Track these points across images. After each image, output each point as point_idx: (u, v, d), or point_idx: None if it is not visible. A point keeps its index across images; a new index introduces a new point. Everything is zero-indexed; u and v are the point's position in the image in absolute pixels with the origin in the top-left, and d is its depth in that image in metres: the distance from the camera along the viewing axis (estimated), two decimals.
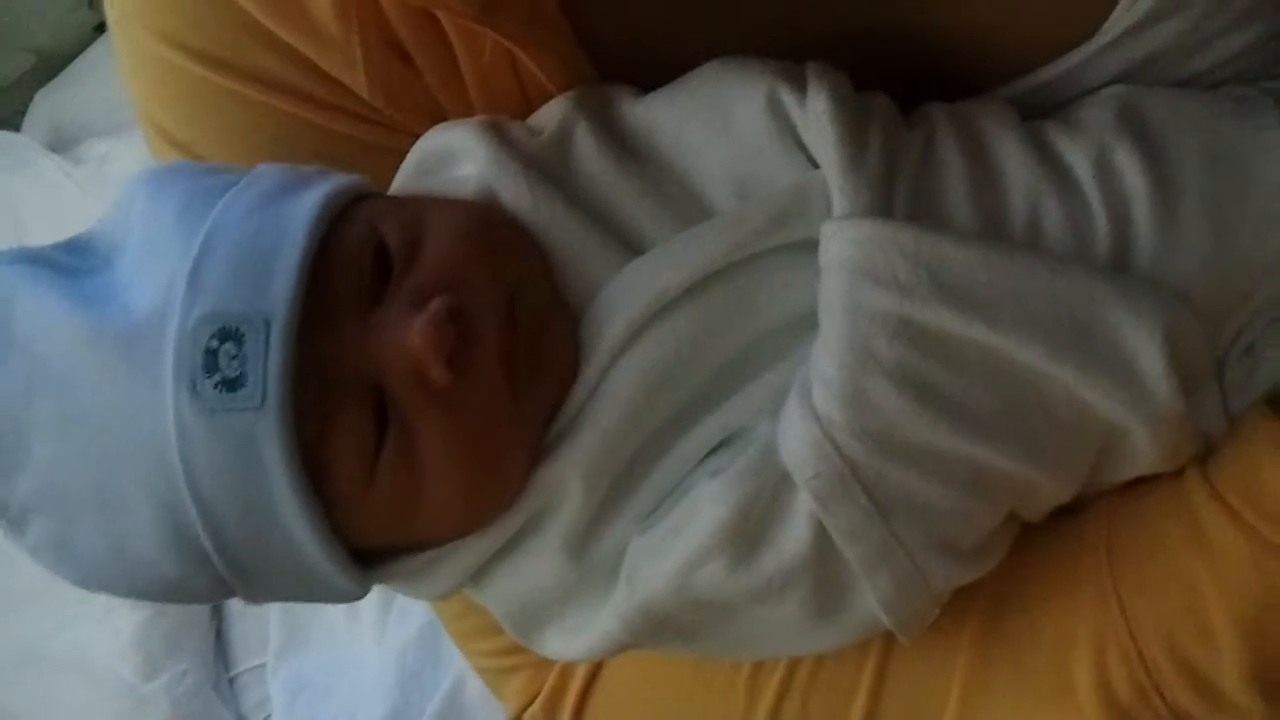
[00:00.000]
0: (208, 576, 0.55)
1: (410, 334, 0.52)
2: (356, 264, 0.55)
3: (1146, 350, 0.53)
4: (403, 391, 0.53)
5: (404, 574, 0.59)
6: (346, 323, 0.54)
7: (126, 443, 0.53)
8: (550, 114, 0.62)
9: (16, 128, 1.77)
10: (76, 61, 1.74)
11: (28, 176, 1.65)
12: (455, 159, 0.61)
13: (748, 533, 0.54)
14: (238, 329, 0.52)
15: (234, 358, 0.51)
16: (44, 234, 0.64)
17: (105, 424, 0.53)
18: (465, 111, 0.65)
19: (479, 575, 0.59)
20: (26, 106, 1.79)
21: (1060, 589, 0.59)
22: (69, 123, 1.68)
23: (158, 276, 0.54)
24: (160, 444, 0.52)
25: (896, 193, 0.56)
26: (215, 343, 0.52)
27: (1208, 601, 0.55)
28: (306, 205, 0.55)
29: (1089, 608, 0.57)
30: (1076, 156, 0.57)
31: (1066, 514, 0.60)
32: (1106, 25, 0.58)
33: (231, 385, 0.51)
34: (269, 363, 0.51)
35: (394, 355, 0.53)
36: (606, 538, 0.57)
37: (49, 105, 1.75)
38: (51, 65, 1.78)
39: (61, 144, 1.68)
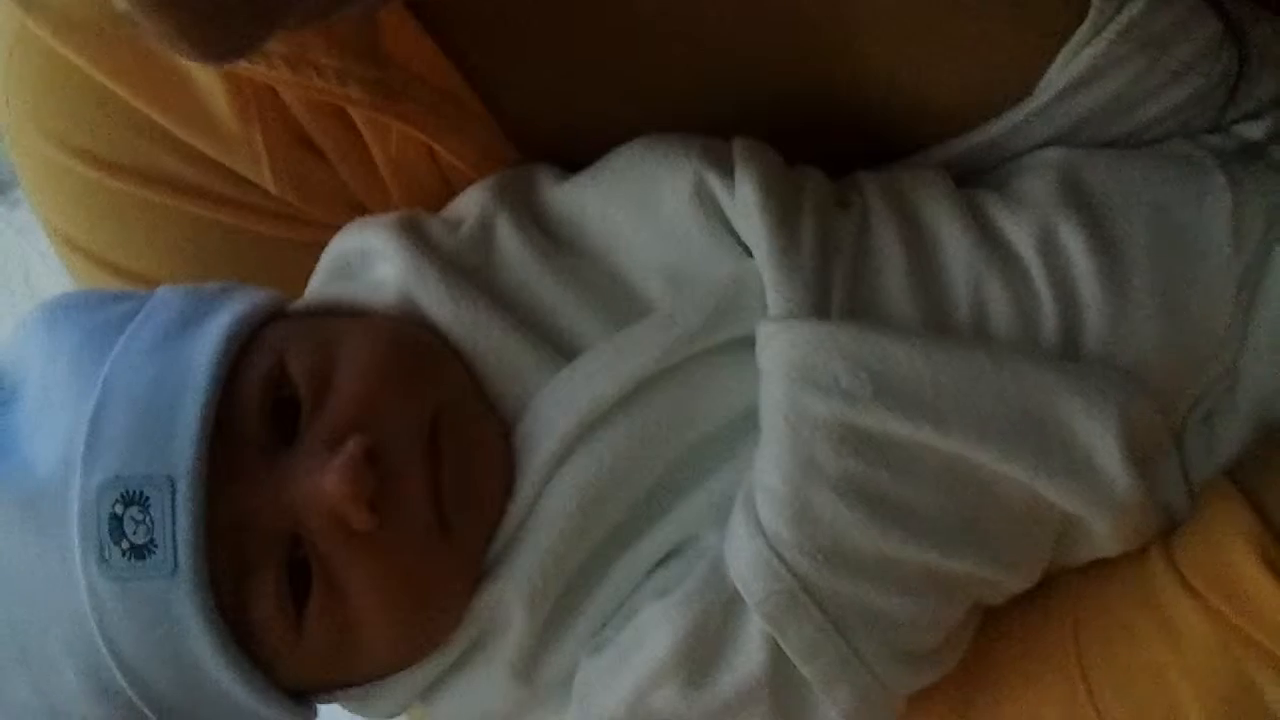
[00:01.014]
0: None
1: (325, 481, 0.50)
2: (263, 406, 0.52)
3: (1103, 441, 0.51)
4: (324, 540, 0.51)
5: (348, 699, 0.57)
6: (257, 472, 0.51)
7: (43, 608, 0.51)
8: (469, 204, 0.59)
9: None
10: None
11: None
12: (371, 261, 0.59)
13: (701, 655, 0.52)
14: (141, 492, 0.49)
15: (140, 523, 0.49)
16: None
17: (20, 587, 0.51)
18: (382, 201, 0.62)
19: (428, 694, 0.57)
20: None
21: (1028, 679, 0.57)
22: (4, 167, 1.64)
23: (56, 431, 0.51)
24: (76, 611, 0.50)
25: (833, 286, 0.53)
26: (120, 508, 0.49)
27: (1176, 689, 0.53)
28: (207, 344, 0.52)
29: (1057, 698, 0.56)
30: (1019, 234, 0.54)
31: (1031, 590, 0.58)
32: (1041, 85, 0.56)
33: (140, 553, 0.49)
34: (177, 526, 0.49)
35: (310, 504, 0.50)
36: (555, 657, 0.55)
37: None
38: None
39: None
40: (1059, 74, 0.55)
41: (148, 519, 0.49)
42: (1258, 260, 0.55)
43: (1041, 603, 0.57)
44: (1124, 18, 0.52)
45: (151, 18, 0.36)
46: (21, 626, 0.51)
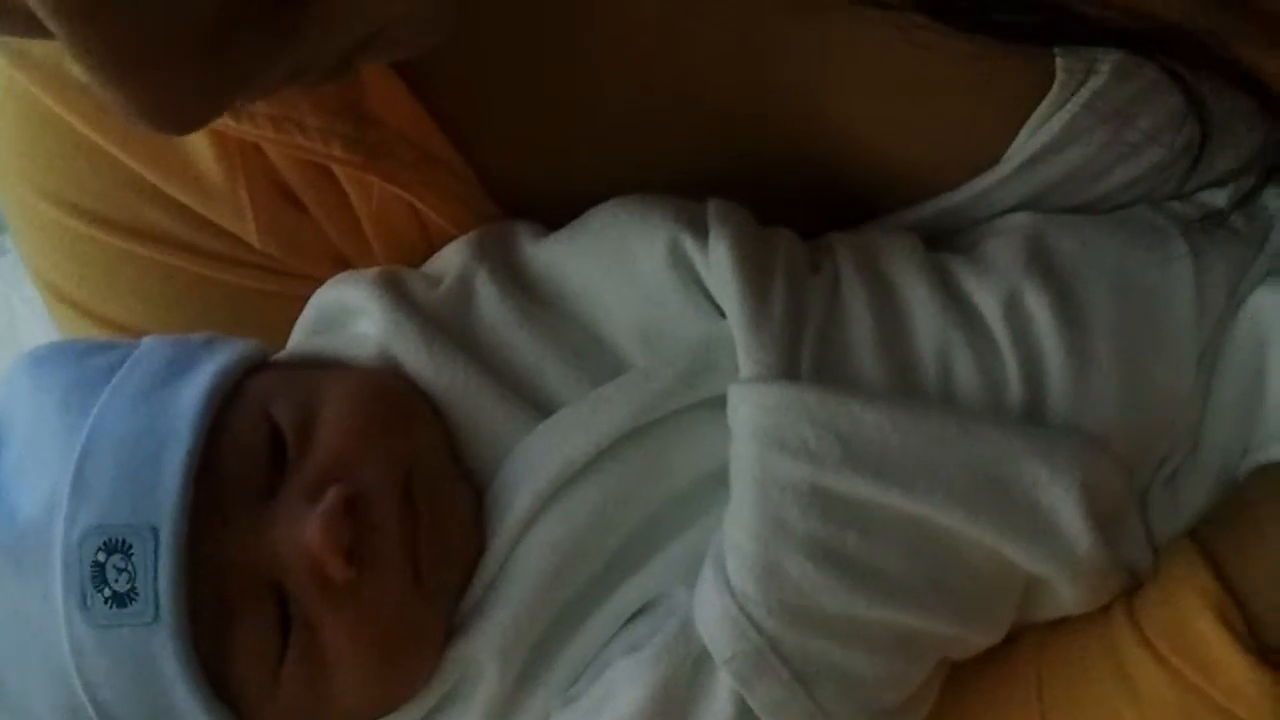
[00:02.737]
0: None
1: (306, 531, 0.51)
2: (247, 456, 0.53)
3: (1064, 504, 0.52)
4: (303, 590, 0.52)
5: None
6: (240, 521, 0.52)
7: (22, 652, 0.51)
8: (449, 260, 0.60)
9: None
10: None
11: None
12: (352, 316, 0.60)
13: (669, 711, 0.53)
14: (124, 540, 0.50)
15: (122, 570, 0.50)
16: None
17: (1, 633, 0.51)
18: (365, 255, 0.63)
19: None
20: None
21: None
22: None
23: (41, 478, 0.52)
24: (56, 657, 0.51)
25: (803, 348, 0.54)
26: (102, 555, 0.50)
27: None
28: (192, 394, 0.53)
29: None
30: (986, 299, 0.55)
31: (997, 645, 0.58)
32: (1009, 153, 0.57)
33: (122, 600, 0.50)
34: (159, 575, 0.50)
35: (291, 554, 0.51)
36: (527, 711, 0.56)
37: None
38: None
39: None
40: (1025, 143, 0.56)
41: (130, 567, 0.49)
42: (1220, 325, 0.56)
43: (1007, 657, 0.58)
44: (1087, 90, 0.53)
45: (107, 89, 0.37)
46: (1, 670, 0.52)
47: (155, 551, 0.50)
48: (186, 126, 0.39)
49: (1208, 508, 0.57)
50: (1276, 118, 0.52)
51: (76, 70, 0.37)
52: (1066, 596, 0.55)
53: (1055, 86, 0.54)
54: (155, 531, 0.50)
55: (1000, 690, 0.58)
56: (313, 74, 0.43)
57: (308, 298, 0.62)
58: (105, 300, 0.64)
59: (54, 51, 0.58)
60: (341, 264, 0.63)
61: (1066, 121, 0.54)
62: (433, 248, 0.62)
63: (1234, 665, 0.52)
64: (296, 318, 0.62)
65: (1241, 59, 0.50)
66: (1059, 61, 0.53)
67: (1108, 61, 0.52)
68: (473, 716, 0.55)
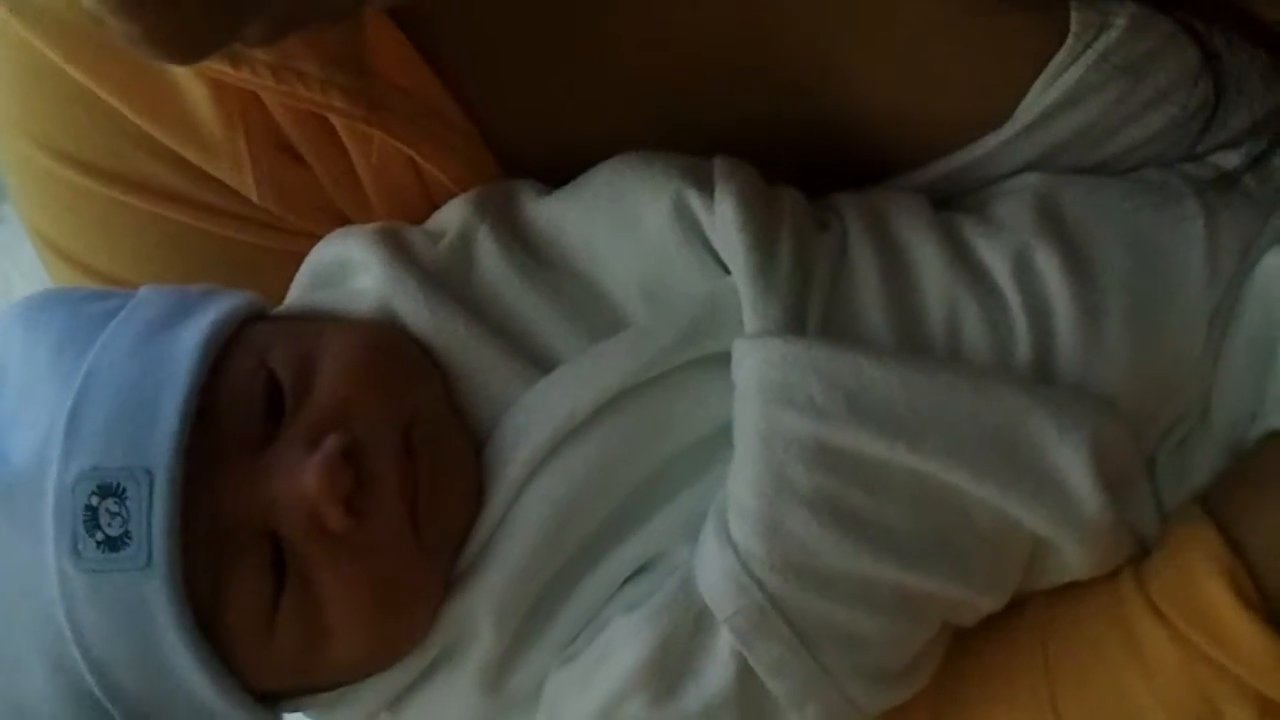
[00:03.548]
0: None
1: (304, 478, 0.50)
2: (244, 404, 0.52)
3: (1073, 465, 0.51)
4: (299, 539, 0.51)
5: (315, 706, 0.57)
6: (236, 468, 0.51)
7: (13, 601, 0.51)
8: (450, 216, 0.59)
9: None
10: None
11: None
12: (351, 271, 0.59)
13: (668, 670, 0.52)
14: (118, 484, 0.49)
15: (116, 514, 0.49)
16: None
17: None
18: (364, 211, 0.62)
19: (395, 704, 0.57)
20: None
21: (998, 699, 0.57)
22: None
23: (36, 422, 0.51)
24: (46, 604, 0.50)
25: (810, 305, 0.54)
26: (95, 499, 0.49)
27: (1144, 713, 0.53)
28: (189, 341, 0.52)
29: (1026, 718, 0.56)
30: (994, 257, 0.54)
31: (1003, 611, 0.58)
32: (1019, 111, 0.56)
33: (114, 545, 0.49)
34: (153, 520, 0.49)
35: (288, 502, 0.50)
36: (524, 669, 0.55)
37: None
38: None
39: None
40: (1037, 99, 0.55)
41: (124, 511, 0.49)
42: (1231, 288, 0.56)
43: (1013, 624, 0.58)
44: (1100, 44, 0.52)
45: (117, 16, 0.36)
46: None
47: (149, 496, 0.49)
48: (194, 55, 0.39)
49: (1217, 474, 0.56)
50: None
51: (87, 1, 0.37)
52: (1073, 560, 0.54)
53: (1069, 40, 0.53)
54: (150, 475, 0.49)
55: (1005, 656, 0.57)
56: (325, 11, 0.42)
57: (306, 253, 0.61)
58: (101, 253, 0.63)
59: (57, 1, 0.57)
60: (340, 219, 0.62)
61: (1079, 77, 0.54)
62: (433, 204, 0.61)
63: (1242, 631, 0.52)
64: (294, 273, 0.61)
65: (1257, 13, 0.50)
66: (1073, 15, 0.52)
67: (1123, 15, 0.51)
68: (469, 675, 0.55)
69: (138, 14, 0.37)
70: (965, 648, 0.58)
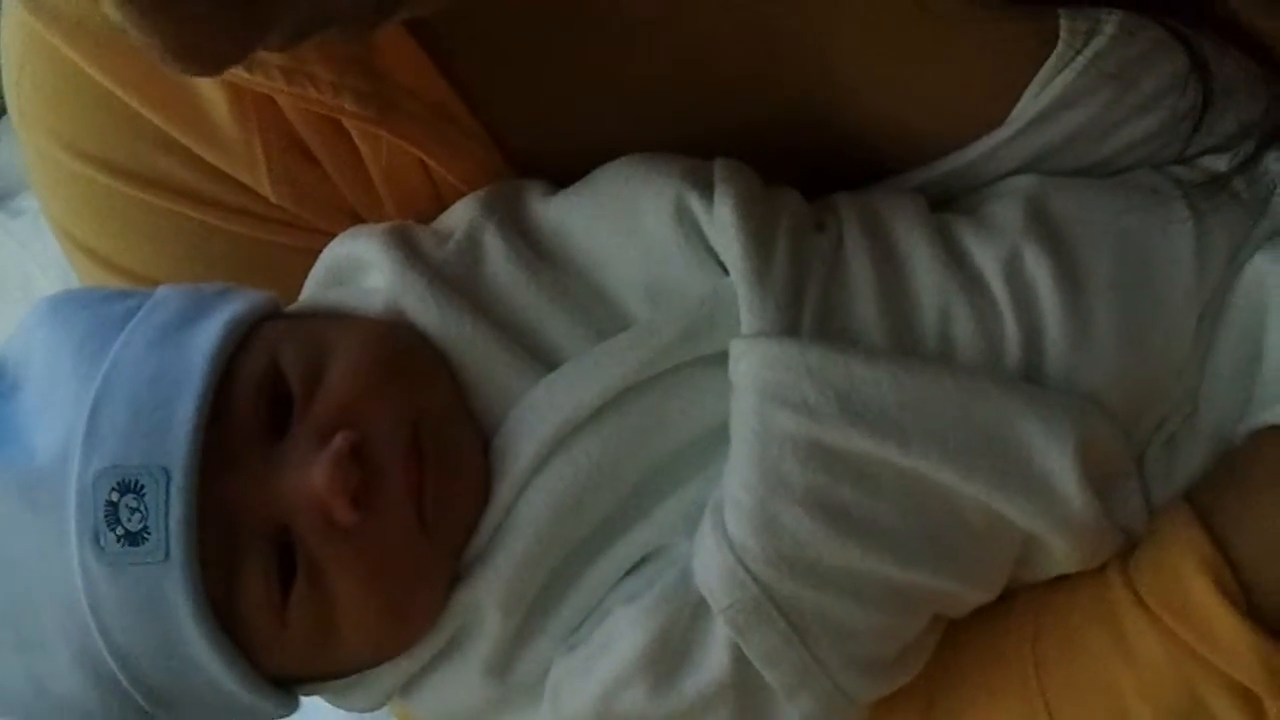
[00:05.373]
0: (133, 711, 0.55)
1: (312, 475, 0.52)
2: (256, 402, 0.54)
3: (1059, 463, 0.53)
4: (309, 533, 0.53)
5: (330, 690, 0.59)
6: (249, 465, 0.53)
7: (37, 589, 0.53)
8: (458, 216, 0.61)
9: None
10: (10, 113, 1.70)
11: None
12: (362, 270, 0.60)
13: (667, 659, 0.54)
14: (137, 481, 0.51)
15: (135, 510, 0.51)
16: None
17: (16, 571, 0.53)
18: (376, 210, 0.64)
19: (406, 689, 0.59)
20: None
21: (988, 690, 0.58)
22: (4, 175, 1.64)
23: (57, 419, 0.53)
24: (69, 594, 0.52)
25: (805, 305, 0.55)
26: (116, 495, 0.51)
27: (1130, 705, 0.55)
28: (205, 341, 0.54)
29: (1016, 709, 0.57)
30: (986, 260, 0.56)
31: (993, 602, 0.59)
32: (1013, 114, 0.57)
33: (134, 539, 0.51)
34: (170, 515, 0.51)
35: (298, 497, 0.52)
36: (529, 657, 0.57)
37: None
38: None
39: None
40: (1030, 103, 0.56)
41: (142, 507, 0.51)
42: (1219, 290, 0.57)
43: (1002, 615, 0.59)
44: (1091, 50, 0.53)
45: (140, 28, 0.38)
46: (15, 609, 0.53)
47: (167, 492, 0.51)
48: (215, 66, 0.41)
49: (1204, 471, 0.57)
50: (1279, 80, 0.52)
51: (109, 10, 0.38)
52: (1061, 555, 0.56)
53: (1059, 47, 0.54)
54: (167, 473, 0.51)
55: (995, 647, 0.59)
56: (343, 21, 0.43)
57: (319, 251, 0.62)
58: (121, 249, 0.65)
59: (76, 1, 0.59)
60: (353, 218, 0.63)
61: (1070, 82, 0.54)
62: (443, 204, 0.63)
63: (1226, 626, 0.53)
64: (308, 271, 0.63)
65: (1244, 20, 0.51)
66: (1063, 22, 0.53)
67: (1111, 22, 0.52)
68: (475, 664, 0.57)
69: (160, 26, 0.38)
70: (956, 638, 0.59)
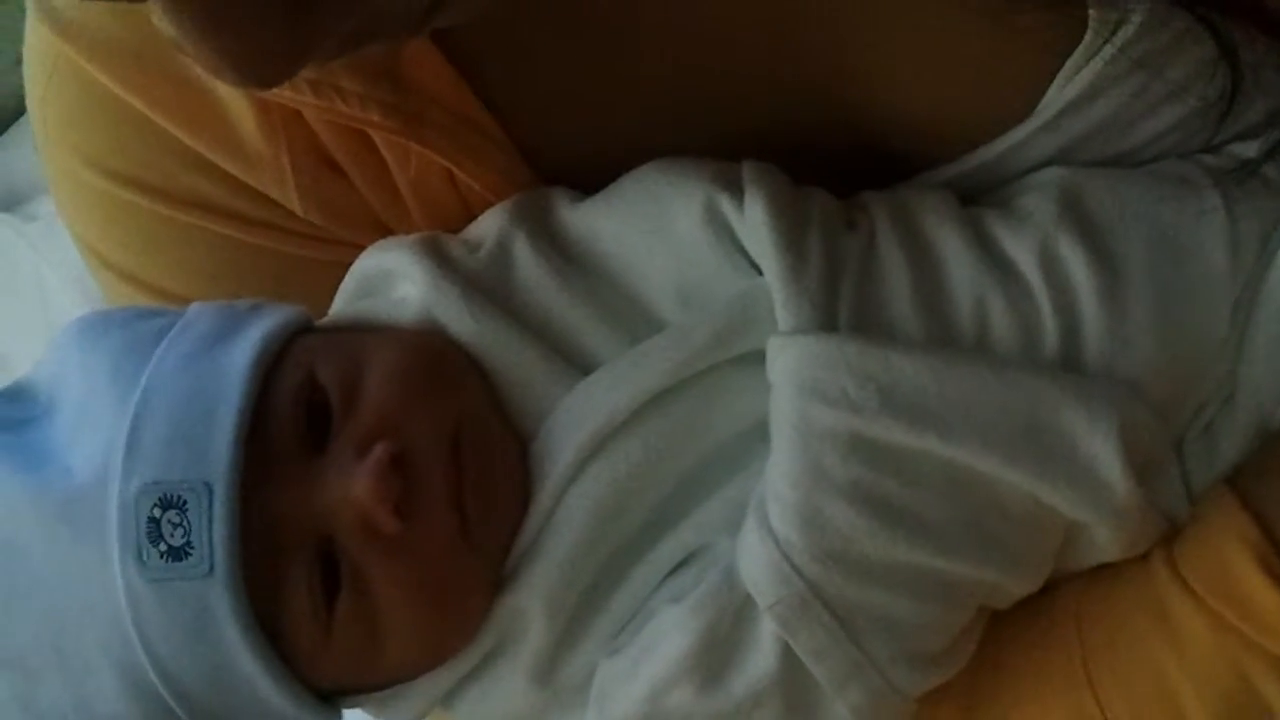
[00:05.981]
0: None
1: (354, 485, 0.52)
2: (295, 416, 0.54)
3: (1102, 450, 0.53)
4: (353, 543, 0.53)
5: (371, 702, 0.59)
6: (290, 477, 0.53)
7: (80, 609, 0.52)
8: (488, 226, 0.61)
9: None
10: (24, 118, 1.72)
11: None
12: (393, 281, 0.61)
13: (714, 658, 0.54)
14: (179, 496, 0.51)
15: (177, 526, 0.51)
16: None
17: (57, 591, 0.53)
18: (404, 222, 0.64)
19: (449, 699, 0.59)
20: None
21: (1034, 679, 0.58)
22: (19, 180, 1.65)
23: (96, 438, 0.53)
24: (113, 611, 0.52)
25: (840, 302, 0.55)
26: (158, 511, 0.51)
27: (1177, 689, 0.55)
28: (241, 356, 0.54)
29: (1063, 698, 0.57)
30: (1020, 250, 0.56)
31: (1037, 592, 0.59)
32: (1041, 106, 0.57)
33: (177, 555, 0.51)
34: (213, 530, 0.51)
35: (340, 508, 0.52)
36: (574, 661, 0.57)
37: None
38: None
39: (12, 201, 1.65)
40: (1058, 94, 0.57)
41: (185, 522, 0.51)
42: (1254, 275, 0.57)
43: (1047, 605, 0.59)
44: (1119, 38, 0.53)
45: (197, 45, 0.38)
46: (58, 628, 0.53)
47: (209, 507, 0.51)
48: (271, 78, 0.41)
49: (1244, 456, 0.57)
50: None
51: (161, 24, 0.38)
52: (1105, 543, 0.56)
53: (1087, 36, 0.54)
54: (209, 487, 0.51)
55: (1040, 638, 0.59)
56: (390, 32, 0.43)
57: (349, 264, 0.63)
58: (149, 267, 0.65)
59: (101, 21, 0.59)
60: (382, 230, 0.64)
61: (1099, 69, 0.55)
62: (470, 215, 0.63)
63: (1273, 608, 0.53)
64: (338, 284, 0.63)
65: (1270, 6, 0.51)
66: (1091, 11, 0.53)
67: (1139, 11, 0.53)
68: (521, 668, 0.57)
69: (214, 40, 0.39)
70: (1000, 631, 0.59)
